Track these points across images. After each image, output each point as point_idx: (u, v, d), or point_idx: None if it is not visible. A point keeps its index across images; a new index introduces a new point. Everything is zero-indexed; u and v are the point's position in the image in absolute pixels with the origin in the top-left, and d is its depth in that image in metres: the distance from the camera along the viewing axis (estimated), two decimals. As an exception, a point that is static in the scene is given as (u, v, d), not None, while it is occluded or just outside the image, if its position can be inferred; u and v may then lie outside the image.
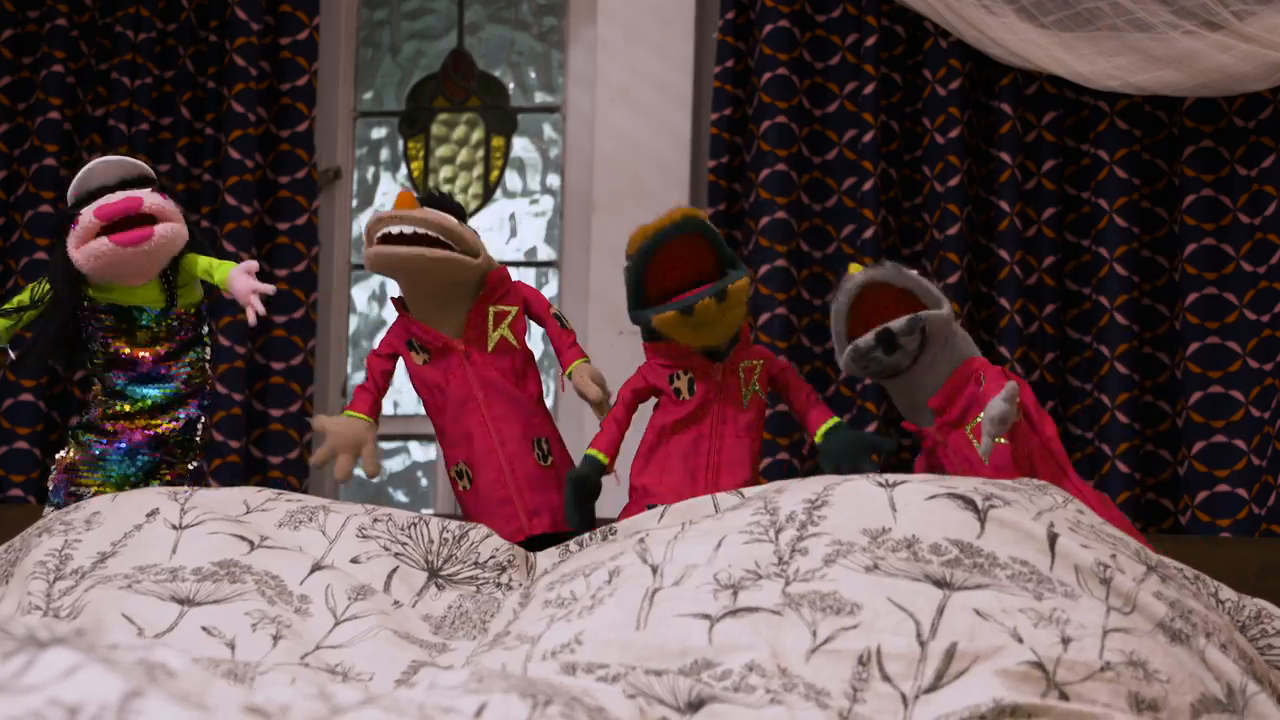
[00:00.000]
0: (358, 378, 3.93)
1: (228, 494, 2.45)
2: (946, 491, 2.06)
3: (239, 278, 2.58)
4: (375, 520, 2.37)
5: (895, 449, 2.74)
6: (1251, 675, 1.92)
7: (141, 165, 2.68)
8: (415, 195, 2.69)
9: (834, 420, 2.73)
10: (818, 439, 2.73)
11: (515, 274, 3.93)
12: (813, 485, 2.13)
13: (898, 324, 2.63)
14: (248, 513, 2.39)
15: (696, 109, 3.71)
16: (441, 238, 2.62)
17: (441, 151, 3.99)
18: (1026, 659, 1.78)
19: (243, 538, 2.28)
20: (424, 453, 3.96)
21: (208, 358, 2.73)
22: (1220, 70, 3.26)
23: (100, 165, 2.64)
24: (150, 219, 2.59)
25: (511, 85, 4.00)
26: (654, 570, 1.97)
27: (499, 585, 2.32)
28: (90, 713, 1.12)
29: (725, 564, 1.95)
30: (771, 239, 3.48)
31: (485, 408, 2.69)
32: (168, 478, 2.68)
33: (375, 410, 2.76)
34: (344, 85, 3.95)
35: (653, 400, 2.73)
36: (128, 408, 2.66)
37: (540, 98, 4.00)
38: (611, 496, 2.75)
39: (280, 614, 2.12)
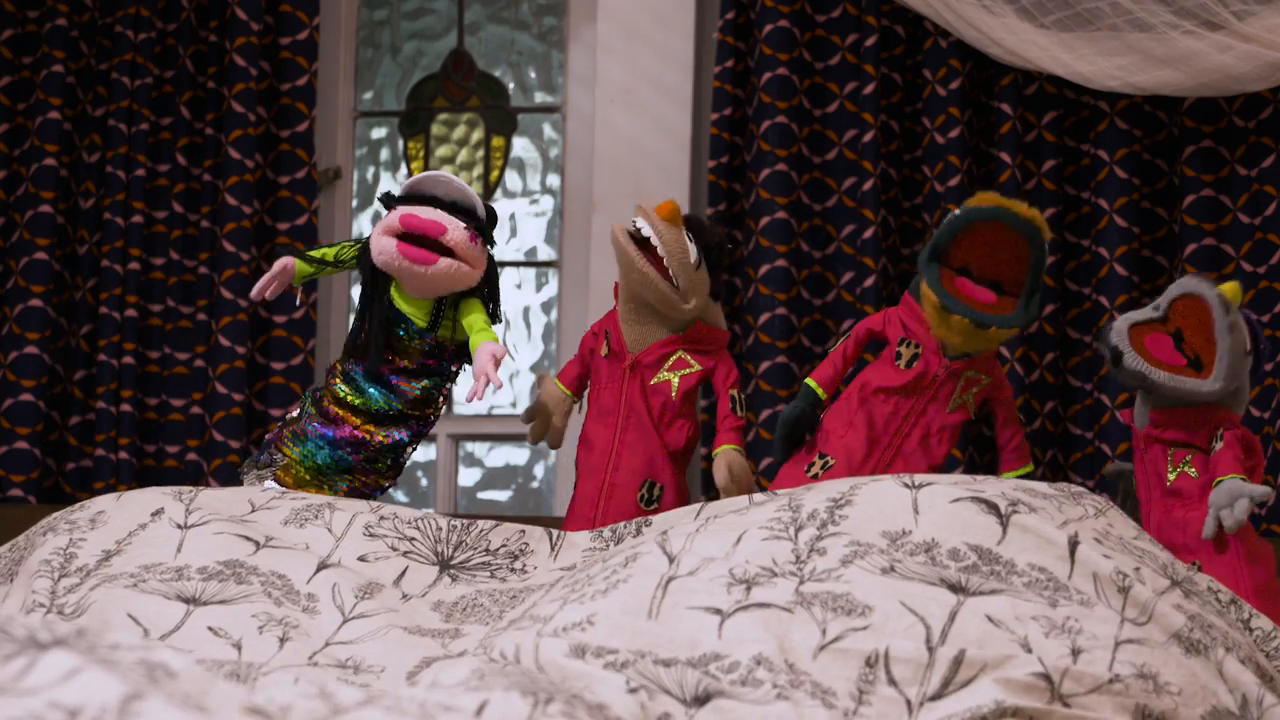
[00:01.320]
0: (358, 378, 3.92)
1: (232, 494, 2.45)
2: (972, 495, 2.06)
3: (484, 355, 2.59)
4: (381, 518, 2.37)
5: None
6: (1270, 689, 1.91)
7: (475, 199, 2.68)
8: (680, 209, 2.68)
9: (1026, 469, 2.72)
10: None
11: (516, 274, 3.95)
12: (840, 485, 2.13)
13: (1130, 363, 2.62)
14: (253, 512, 2.39)
15: (696, 109, 3.71)
16: (672, 269, 2.63)
17: (441, 151, 3.99)
18: (1033, 670, 1.78)
19: (248, 537, 2.28)
20: (424, 453, 3.96)
21: (443, 394, 2.75)
22: (1220, 70, 3.25)
23: (444, 179, 2.66)
24: (447, 251, 2.61)
25: (511, 85, 4.00)
26: (671, 559, 1.97)
27: (514, 571, 2.31)
28: (90, 715, 1.12)
29: (743, 559, 1.95)
30: (771, 239, 3.48)
31: (621, 427, 2.70)
32: (357, 482, 2.70)
33: (578, 383, 2.80)
34: (344, 85, 3.95)
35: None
36: (350, 397, 2.67)
37: (540, 98, 4.00)
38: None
39: (287, 615, 2.12)
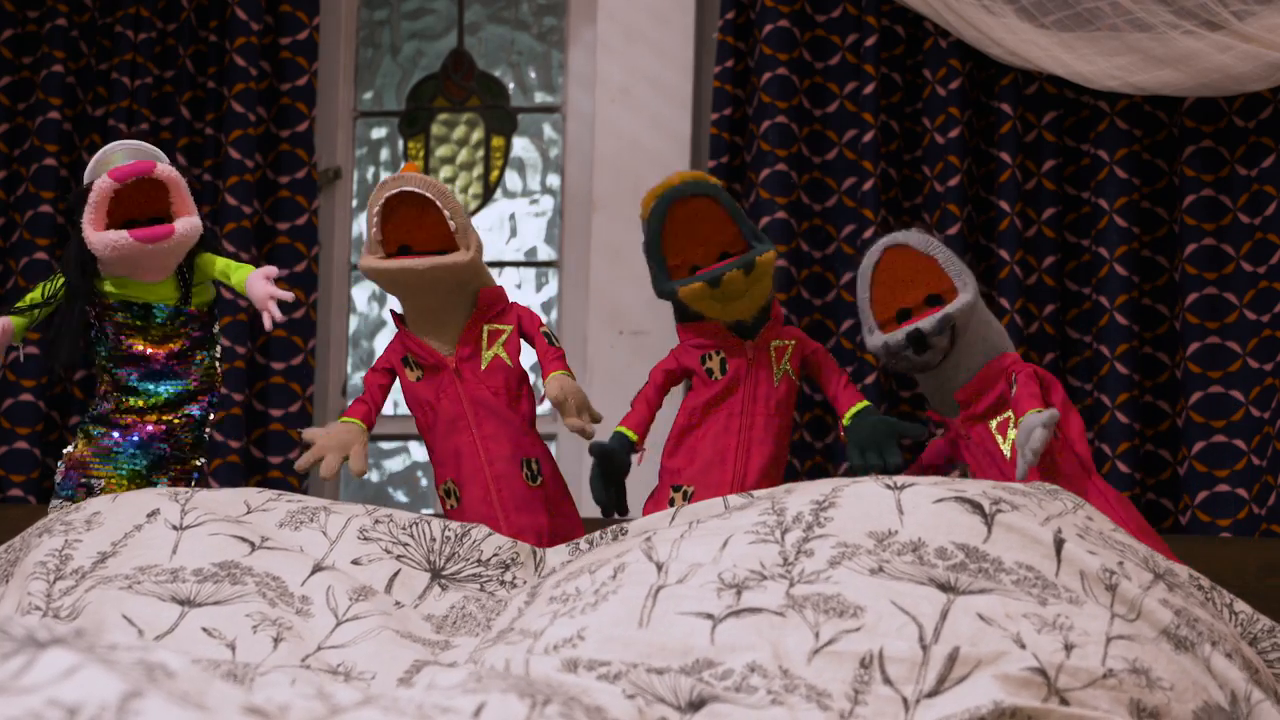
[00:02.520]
0: (357, 378, 3.92)
1: (228, 494, 2.45)
2: (954, 495, 2.06)
3: (258, 282, 2.58)
4: (376, 522, 2.37)
5: (921, 433, 2.73)
6: (1257, 684, 1.92)
7: (156, 150, 2.69)
8: (419, 167, 2.72)
9: (863, 404, 2.73)
10: (845, 421, 2.73)
11: (516, 274, 3.95)
12: (821, 486, 2.13)
13: (928, 323, 2.63)
14: (248, 513, 2.39)
15: (696, 109, 3.71)
16: (437, 201, 2.63)
17: (441, 151, 3.99)
18: (1028, 665, 1.78)
19: (243, 539, 2.28)
20: (424, 453, 3.96)
21: (218, 356, 2.74)
22: (1220, 70, 3.25)
23: (117, 146, 2.66)
24: (164, 204, 2.59)
25: (511, 85, 4.00)
26: (659, 568, 1.97)
27: (503, 583, 2.31)
28: (89, 713, 1.12)
29: (730, 564, 1.95)
30: (771, 238, 3.47)
31: (475, 426, 2.69)
32: (175, 472, 2.69)
33: (369, 417, 2.76)
34: (344, 85, 3.95)
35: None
36: (140, 403, 2.67)
37: (540, 98, 4.00)
38: (639, 481, 2.75)
39: (281, 616, 2.12)
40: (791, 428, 2.75)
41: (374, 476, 3.97)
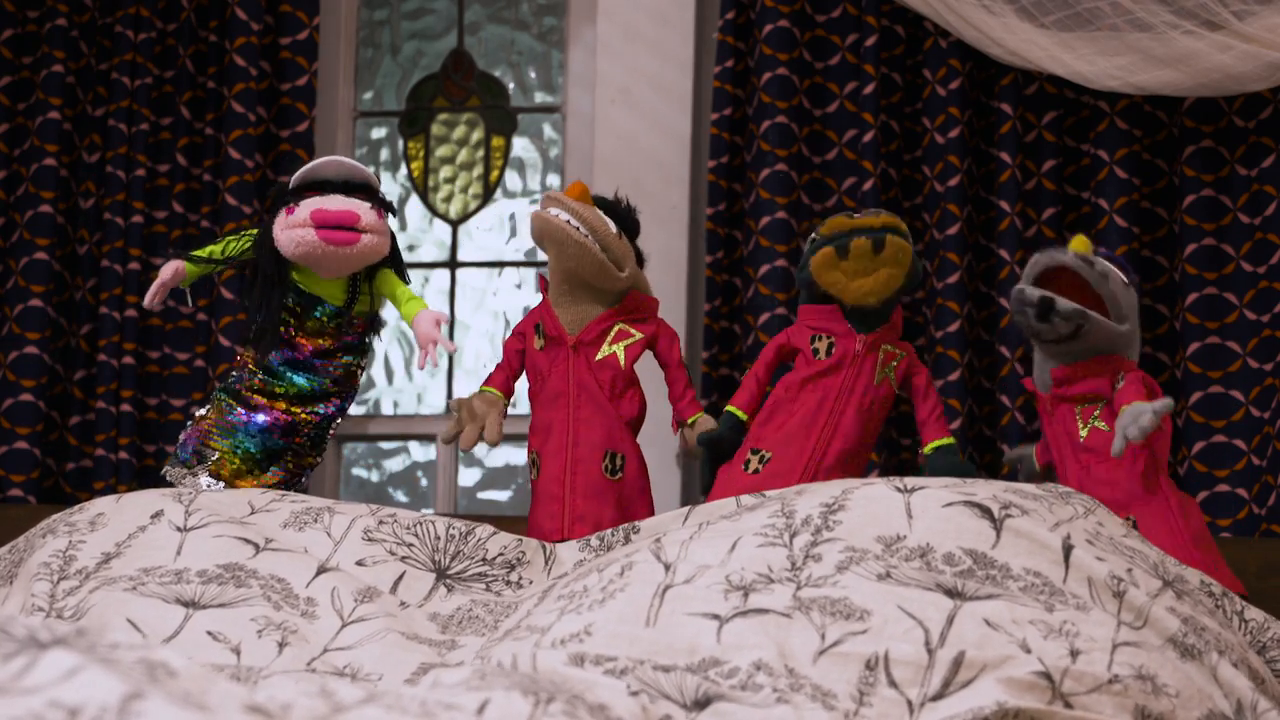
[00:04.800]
0: (358, 377, 3.93)
1: (232, 495, 2.45)
2: (964, 499, 2.06)
3: (426, 322, 2.60)
4: (380, 522, 2.37)
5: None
6: (1263, 694, 1.92)
7: (367, 174, 2.71)
8: (588, 189, 2.77)
9: (948, 440, 2.77)
10: (926, 451, 2.77)
11: (516, 274, 3.95)
12: (832, 488, 2.13)
13: (1065, 304, 2.66)
14: (252, 514, 2.39)
15: (696, 109, 3.71)
16: (584, 232, 2.69)
17: (441, 151, 3.99)
18: (1034, 669, 1.78)
19: (247, 540, 2.28)
20: (424, 453, 3.96)
21: (363, 365, 2.78)
22: (1220, 70, 3.25)
23: (331, 164, 2.69)
24: (357, 224, 2.63)
25: (511, 85, 4.00)
26: (667, 568, 1.97)
27: (509, 583, 2.31)
28: (91, 714, 1.12)
29: (738, 566, 1.95)
30: (771, 239, 3.48)
31: (574, 406, 2.75)
32: (290, 465, 2.71)
33: (507, 385, 2.84)
34: (344, 85, 3.95)
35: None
36: (277, 388, 2.69)
37: (540, 98, 4.00)
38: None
39: (286, 619, 2.12)
40: (879, 432, 2.77)
41: (374, 476, 3.97)
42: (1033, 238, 3.46)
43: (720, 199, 3.55)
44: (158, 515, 2.33)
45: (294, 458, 2.73)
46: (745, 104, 3.58)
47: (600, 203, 2.81)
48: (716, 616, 1.86)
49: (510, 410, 2.88)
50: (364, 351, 2.77)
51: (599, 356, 2.76)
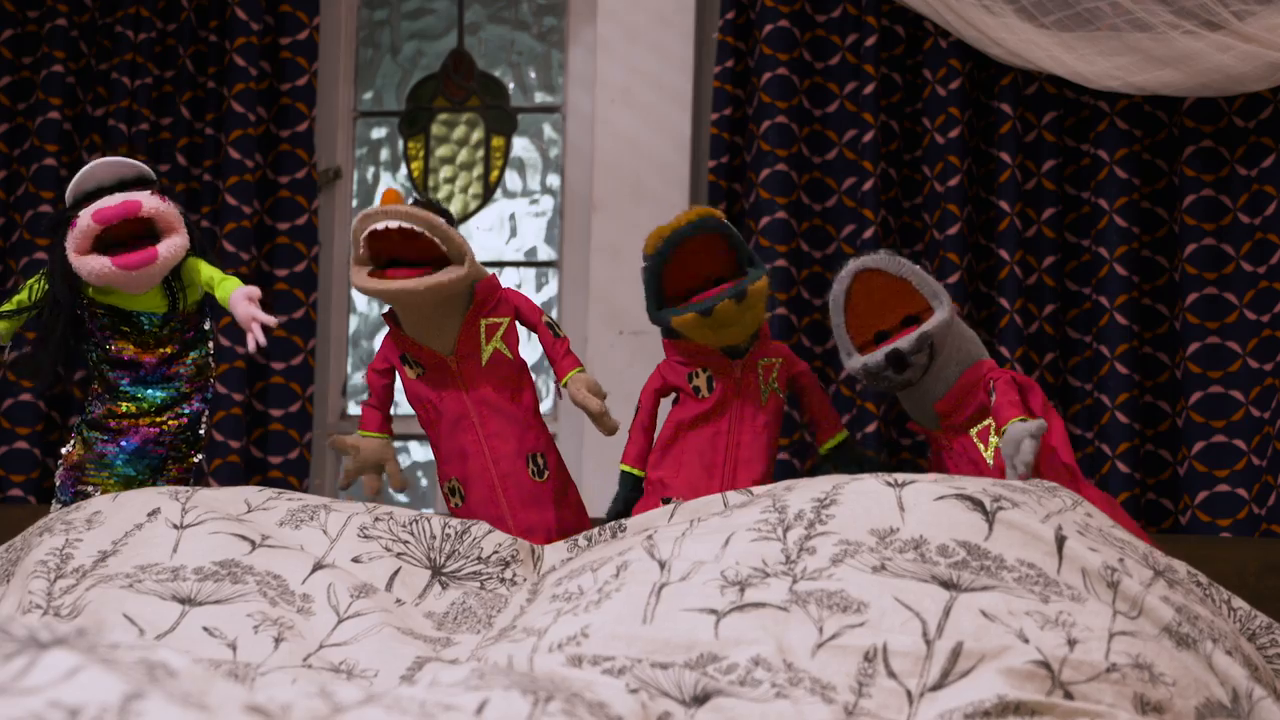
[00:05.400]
0: (358, 377, 3.93)
1: (229, 493, 2.45)
2: (955, 493, 2.06)
3: (241, 302, 2.57)
4: (376, 519, 2.37)
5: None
6: (1257, 681, 1.92)
7: (140, 166, 2.66)
8: (401, 192, 2.66)
9: (842, 436, 2.74)
10: (822, 451, 2.75)
11: (516, 274, 3.95)
12: (822, 484, 2.14)
13: (906, 343, 2.62)
14: (249, 512, 2.39)
15: (696, 109, 3.71)
16: (427, 233, 2.58)
17: (441, 151, 3.99)
18: (1032, 658, 1.78)
19: (244, 537, 2.28)
20: (424, 453, 3.96)
21: (211, 352, 2.74)
22: (1220, 70, 3.25)
23: (99, 166, 2.63)
24: (151, 233, 2.59)
25: (511, 85, 4.00)
26: (661, 566, 1.97)
27: (503, 581, 2.31)
28: (91, 714, 1.12)
29: (733, 561, 1.95)
30: (771, 239, 3.48)
31: (479, 425, 2.67)
32: (174, 473, 2.69)
33: (386, 425, 2.76)
34: (344, 85, 3.95)
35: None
36: (132, 408, 2.66)
37: (540, 98, 4.00)
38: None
39: (282, 615, 2.12)
40: (778, 444, 2.73)
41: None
42: (1033, 238, 3.46)
43: (720, 199, 3.55)
44: (154, 513, 2.34)
45: (174, 463, 2.69)
46: (745, 104, 3.58)
47: (419, 202, 2.71)
48: (714, 612, 1.86)
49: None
50: (206, 338, 2.73)
51: (484, 362, 2.67)
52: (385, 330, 2.76)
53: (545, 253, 3.97)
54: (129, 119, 3.70)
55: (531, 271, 3.96)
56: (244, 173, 3.66)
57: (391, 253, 2.62)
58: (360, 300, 3.99)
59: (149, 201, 2.58)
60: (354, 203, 3.95)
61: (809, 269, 3.53)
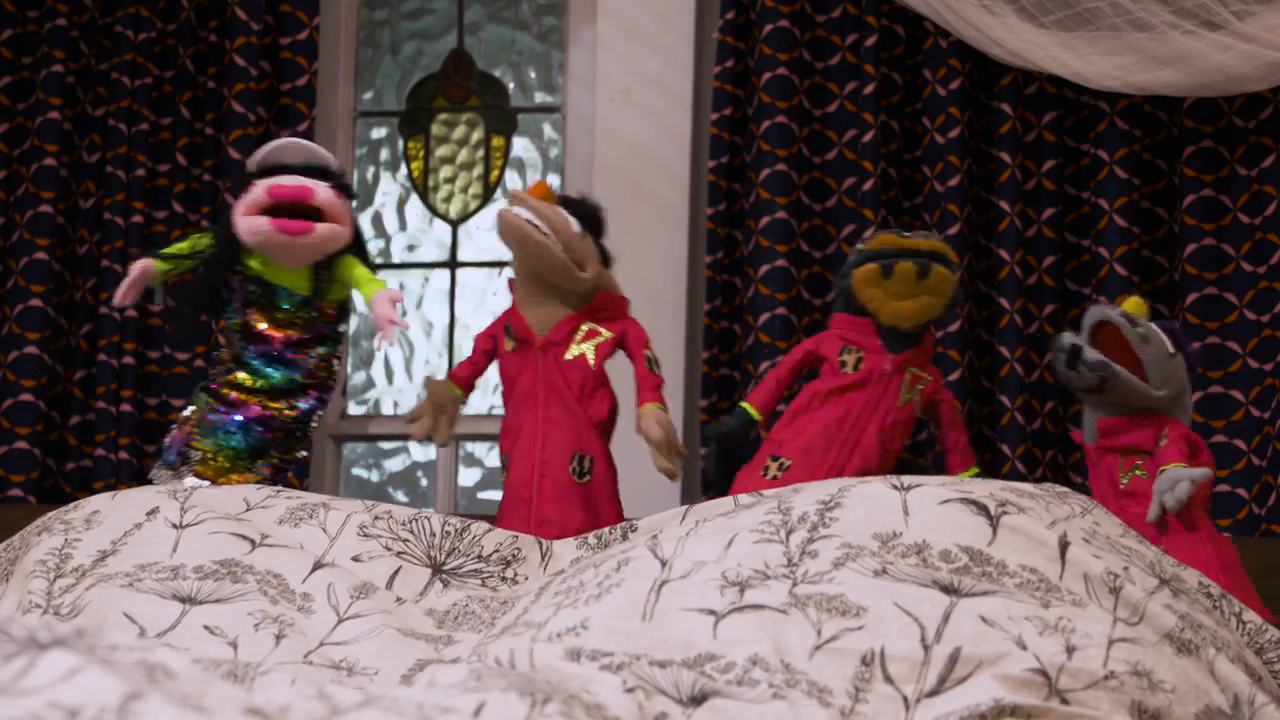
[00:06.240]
0: (358, 378, 3.93)
1: (228, 492, 2.45)
2: (960, 496, 2.06)
3: (382, 302, 2.62)
4: (376, 518, 2.37)
5: None
6: (1260, 689, 1.92)
7: (327, 157, 2.74)
8: (551, 187, 2.76)
9: (973, 471, 2.75)
10: None
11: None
12: (828, 486, 2.14)
13: (1091, 356, 2.66)
14: (248, 511, 2.39)
15: (696, 109, 3.71)
16: (546, 231, 2.67)
17: (441, 151, 3.99)
18: (1029, 666, 1.78)
19: (243, 536, 2.28)
20: (424, 453, 3.96)
21: (337, 355, 2.79)
22: (1220, 70, 3.25)
23: (289, 146, 2.71)
24: (317, 214, 2.62)
25: (511, 85, 4.00)
26: (663, 563, 1.97)
27: (504, 579, 2.32)
28: (90, 715, 1.12)
29: (734, 562, 1.95)
30: (771, 239, 3.48)
31: (542, 408, 2.74)
32: (275, 460, 2.72)
33: (468, 383, 2.85)
34: (344, 85, 3.95)
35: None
36: (249, 382, 2.70)
37: (540, 98, 4.00)
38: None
39: (283, 613, 2.12)
40: (898, 448, 2.75)
41: (374, 476, 3.97)
42: (1033, 238, 3.46)
43: (720, 199, 3.55)
44: (153, 512, 2.34)
45: (278, 453, 2.73)
46: (745, 104, 3.58)
47: (565, 202, 2.80)
48: (713, 612, 1.86)
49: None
50: (337, 340, 2.78)
51: (568, 356, 2.75)
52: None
53: (545, 253, 3.96)
54: (129, 119, 3.70)
55: (531, 271, 3.96)
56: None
57: None
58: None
59: (323, 192, 2.65)
60: (353, 203, 3.94)
61: (809, 269, 3.53)
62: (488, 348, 2.85)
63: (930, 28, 3.52)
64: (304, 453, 2.78)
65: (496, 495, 3.95)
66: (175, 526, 2.30)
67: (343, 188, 2.70)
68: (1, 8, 3.77)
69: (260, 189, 2.64)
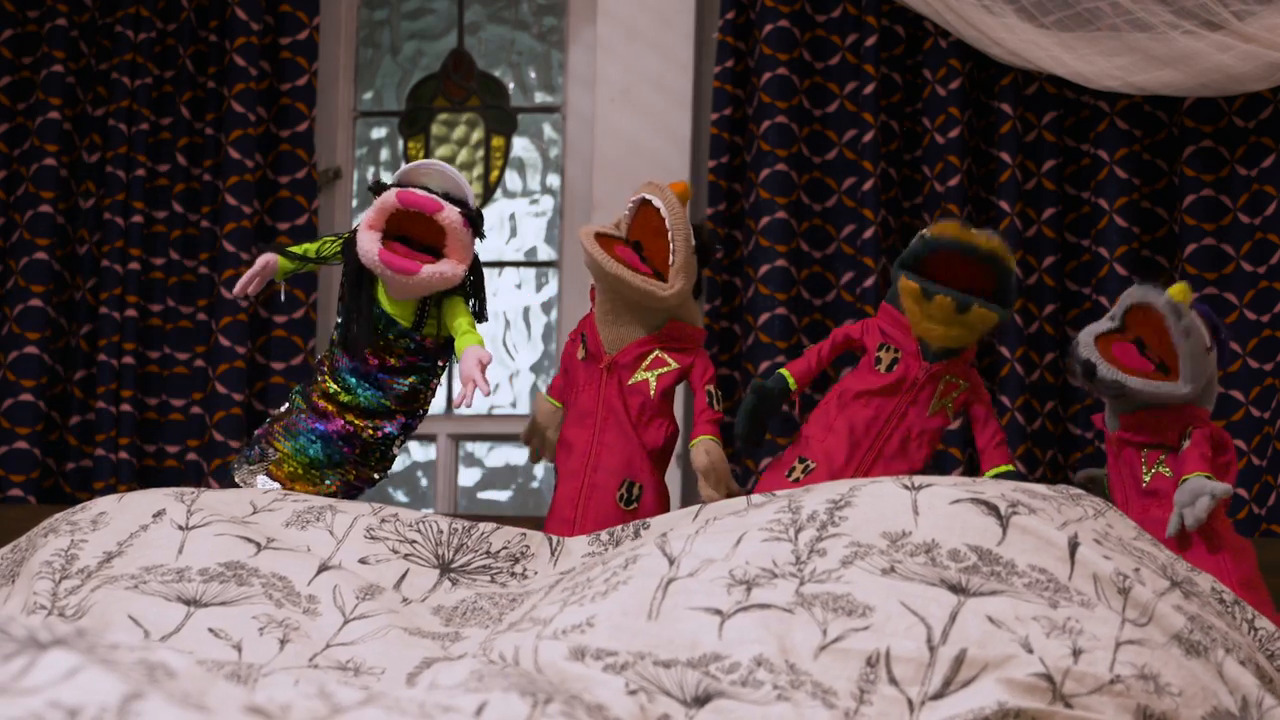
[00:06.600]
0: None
1: (234, 495, 2.45)
2: (971, 496, 2.06)
3: (470, 360, 2.57)
4: (383, 520, 2.37)
5: None
6: (1269, 691, 1.91)
7: (468, 190, 2.69)
8: (689, 189, 2.72)
9: (1007, 467, 2.74)
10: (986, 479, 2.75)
11: (516, 274, 3.95)
12: (839, 486, 2.13)
13: (1105, 374, 2.64)
14: (254, 513, 2.39)
15: (696, 109, 3.71)
16: (666, 227, 2.64)
17: (441, 151, 3.99)
18: (1035, 670, 1.78)
19: (249, 539, 2.28)
20: (424, 453, 3.96)
21: (431, 388, 2.74)
22: (1220, 70, 3.26)
23: (438, 169, 2.67)
24: (439, 234, 2.60)
25: (511, 85, 4.00)
26: (671, 561, 1.97)
27: (514, 575, 2.31)
28: (90, 714, 1.12)
29: (742, 560, 1.95)
30: (771, 239, 3.48)
31: (599, 428, 2.70)
32: (350, 476, 2.70)
33: (565, 393, 2.80)
34: (344, 85, 3.95)
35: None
36: (341, 394, 2.68)
37: (540, 98, 4.00)
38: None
39: (288, 617, 2.12)
40: (927, 456, 2.71)
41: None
42: (1033, 238, 3.46)
43: (720, 199, 3.55)
44: (159, 515, 2.34)
45: (355, 469, 2.71)
46: (745, 104, 3.58)
47: (697, 230, 2.76)
48: (719, 611, 1.86)
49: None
50: (433, 374, 2.74)
51: (631, 381, 2.70)
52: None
53: (545, 253, 3.97)
54: (129, 119, 3.70)
55: (531, 271, 3.96)
56: (244, 173, 3.66)
57: (636, 236, 2.71)
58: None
59: (451, 214, 2.60)
60: (354, 203, 3.95)
61: (809, 269, 3.53)
62: (573, 352, 2.80)
63: (930, 28, 3.52)
64: (380, 475, 2.74)
65: (497, 495, 3.95)
66: (181, 529, 2.30)
67: (471, 219, 2.66)
68: (1, 8, 3.77)
69: (390, 194, 2.61)
